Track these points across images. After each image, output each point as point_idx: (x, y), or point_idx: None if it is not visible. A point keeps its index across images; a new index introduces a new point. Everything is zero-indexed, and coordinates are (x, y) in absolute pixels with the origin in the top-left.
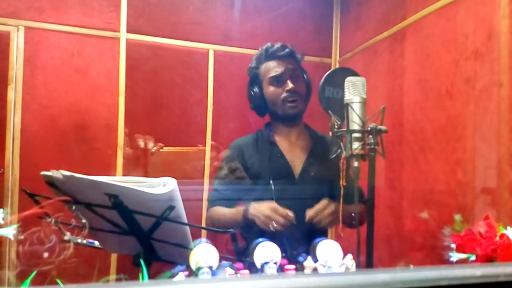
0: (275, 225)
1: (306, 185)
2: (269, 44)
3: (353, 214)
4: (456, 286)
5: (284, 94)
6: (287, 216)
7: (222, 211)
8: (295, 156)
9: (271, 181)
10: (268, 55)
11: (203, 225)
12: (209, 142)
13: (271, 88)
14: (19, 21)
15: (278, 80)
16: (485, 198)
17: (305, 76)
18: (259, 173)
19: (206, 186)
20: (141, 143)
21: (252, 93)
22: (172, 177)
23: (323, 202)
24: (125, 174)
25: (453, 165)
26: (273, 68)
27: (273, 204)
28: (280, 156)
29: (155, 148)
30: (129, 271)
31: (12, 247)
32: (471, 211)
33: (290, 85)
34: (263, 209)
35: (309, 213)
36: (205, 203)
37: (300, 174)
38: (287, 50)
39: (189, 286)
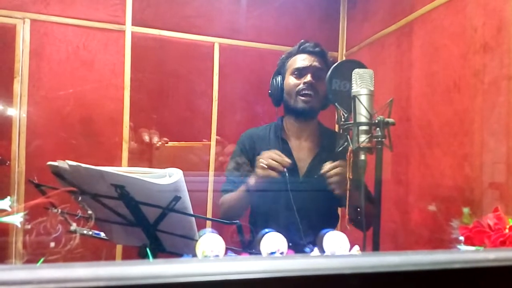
0: (273, 170)
1: (309, 186)
2: (303, 40)
3: (358, 209)
4: (468, 269)
5: (301, 86)
6: (282, 159)
7: (231, 194)
8: (303, 156)
9: (286, 175)
10: (300, 50)
11: (210, 216)
12: (214, 136)
13: (291, 79)
14: (25, 13)
15: (300, 72)
16: (493, 193)
17: None
18: None
19: (211, 178)
20: (146, 138)
21: (274, 81)
22: None
23: (336, 163)
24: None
25: (460, 160)
26: (300, 60)
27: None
28: (288, 155)
29: (160, 142)
30: None
31: (19, 237)
32: (478, 206)
33: (309, 78)
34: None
35: (326, 167)
36: (210, 195)
37: (305, 175)
38: (318, 48)
39: (198, 265)
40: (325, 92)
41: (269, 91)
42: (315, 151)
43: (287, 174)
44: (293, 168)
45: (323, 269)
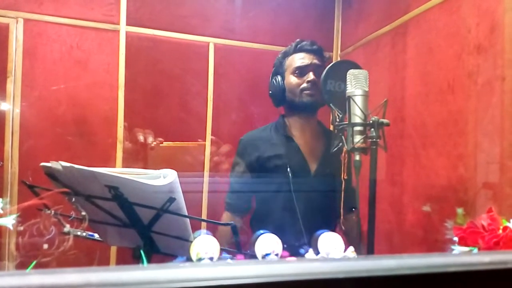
0: None
1: (321, 182)
2: (299, 39)
3: (353, 209)
4: (463, 272)
5: (304, 85)
6: None
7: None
8: (311, 152)
9: (289, 175)
10: (297, 49)
11: (205, 217)
12: (209, 136)
13: (293, 78)
14: (18, 13)
15: (301, 71)
16: (487, 193)
17: None
18: (276, 167)
19: (206, 179)
20: (141, 138)
21: (274, 82)
22: None
23: None
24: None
25: (454, 160)
26: (299, 59)
27: None
28: (297, 151)
29: (154, 143)
30: (129, 263)
31: (12, 239)
32: (472, 206)
33: (311, 76)
34: None
35: None
36: (205, 196)
37: (316, 171)
38: (315, 46)
39: (192, 270)
40: None
41: (270, 92)
42: (323, 148)
43: (290, 175)
44: (303, 164)
45: (318, 273)
